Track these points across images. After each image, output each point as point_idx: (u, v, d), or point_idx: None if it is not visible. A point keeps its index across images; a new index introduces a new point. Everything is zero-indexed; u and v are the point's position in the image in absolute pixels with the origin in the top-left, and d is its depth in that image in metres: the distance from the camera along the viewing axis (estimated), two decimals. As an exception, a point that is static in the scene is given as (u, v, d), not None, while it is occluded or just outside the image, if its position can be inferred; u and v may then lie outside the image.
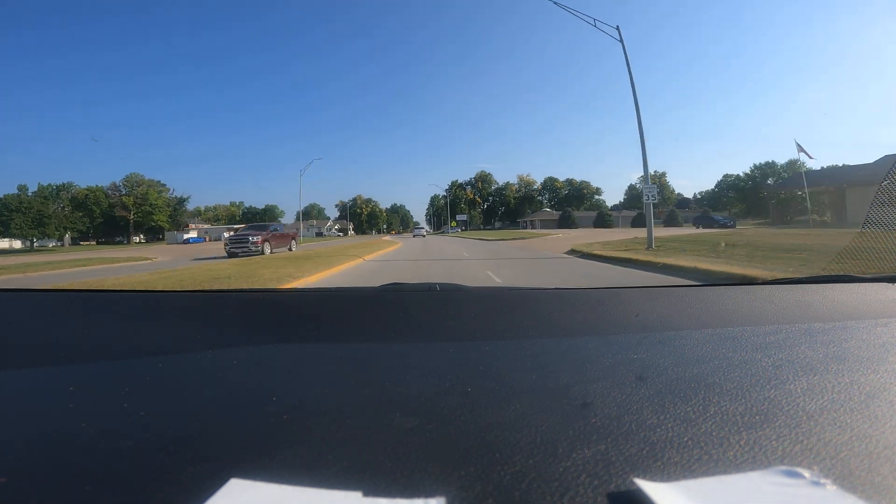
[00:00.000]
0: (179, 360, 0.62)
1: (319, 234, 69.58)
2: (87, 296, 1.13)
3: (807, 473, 0.31)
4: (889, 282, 0.95)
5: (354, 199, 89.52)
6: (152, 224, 55.17)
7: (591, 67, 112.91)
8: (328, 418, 0.42)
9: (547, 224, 62.91)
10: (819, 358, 0.56)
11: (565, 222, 61.48)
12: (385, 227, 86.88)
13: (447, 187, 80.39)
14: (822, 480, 0.31)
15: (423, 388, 0.48)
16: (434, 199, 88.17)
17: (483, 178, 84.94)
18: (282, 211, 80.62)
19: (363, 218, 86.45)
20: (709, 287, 1.06)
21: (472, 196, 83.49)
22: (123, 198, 54.42)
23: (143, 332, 0.78)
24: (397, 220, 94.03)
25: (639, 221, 50.83)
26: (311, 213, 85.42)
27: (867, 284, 0.97)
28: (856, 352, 0.58)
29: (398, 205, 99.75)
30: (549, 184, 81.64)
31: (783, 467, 0.33)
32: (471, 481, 0.32)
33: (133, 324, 0.82)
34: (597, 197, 79.32)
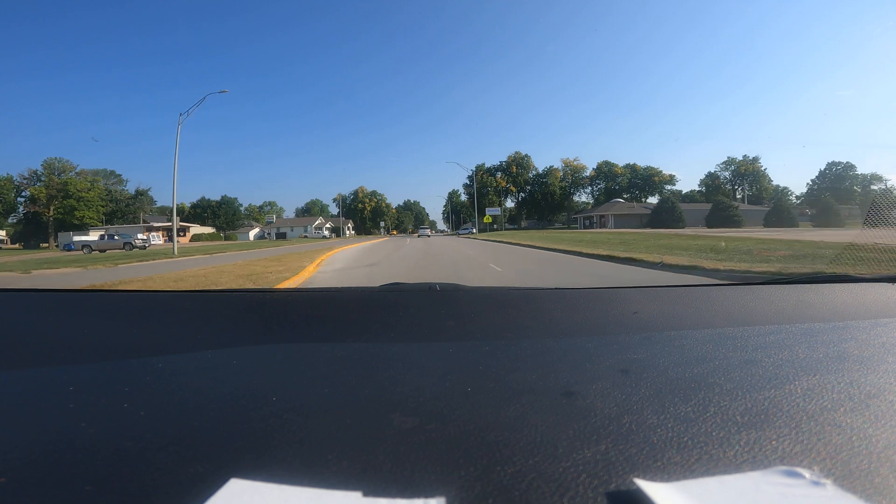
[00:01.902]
0: (179, 360, 0.62)
1: (281, 236, 54.09)
2: (87, 296, 1.13)
3: (807, 473, 0.32)
4: (889, 282, 0.95)
5: (355, 193, 72.49)
6: (75, 222, 40.09)
7: (623, 37, 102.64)
8: (328, 418, 0.42)
9: (623, 222, 41.89)
10: (819, 358, 0.56)
11: (664, 219, 38.53)
12: (384, 224, 71.24)
13: (470, 173, 60.49)
14: (822, 480, 0.31)
15: (423, 388, 0.48)
16: (452, 194, 70.86)
17: (518, 162, 61.89)
18: (242, 204, 61.58)
19: (366, 214, 70.94)
20: (709, 287, 1.06)
21: (504, 184, 61.37)
22: (32, 189, 40.67)
23: (143, 332, 0.77)
24: (410, 218, 79.91)
25: (774, 219, 35.11)
26: (311, 210, 77.16)
27: (867, 284, 0.97)
28: (856, 352, 0.58)
29: (412, 201, 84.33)
30: (606, 169, 60.29)
31: (783, 467, 0.33)
32: (471, 481, 0.32)
33: (133, 324, 0.82)
34: (668, 187, 58.77)
